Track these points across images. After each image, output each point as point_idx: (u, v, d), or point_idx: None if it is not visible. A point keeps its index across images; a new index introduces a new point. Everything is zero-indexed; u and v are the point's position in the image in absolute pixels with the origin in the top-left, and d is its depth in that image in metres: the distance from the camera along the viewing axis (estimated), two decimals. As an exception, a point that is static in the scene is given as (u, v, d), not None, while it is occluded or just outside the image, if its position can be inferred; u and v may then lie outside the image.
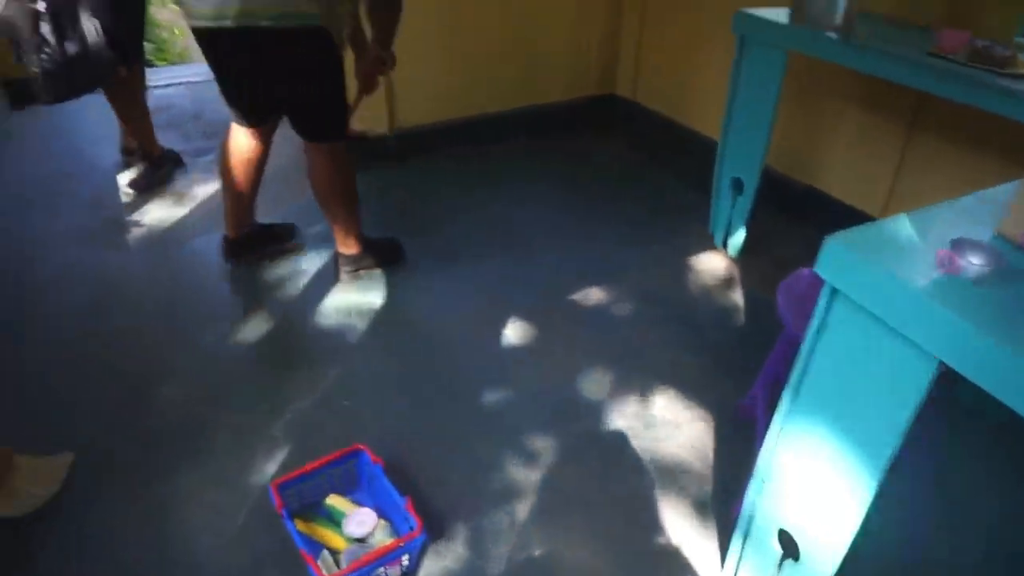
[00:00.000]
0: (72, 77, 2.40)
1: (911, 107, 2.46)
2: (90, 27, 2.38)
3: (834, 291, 0.98)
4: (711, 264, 2.66)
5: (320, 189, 2.29)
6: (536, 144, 3.61)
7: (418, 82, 3.21)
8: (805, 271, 1.66)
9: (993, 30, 2.15)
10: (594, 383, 2.06)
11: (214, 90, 2.20)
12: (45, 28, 2.28)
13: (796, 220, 2.92)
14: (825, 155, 2.84)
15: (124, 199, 2.97)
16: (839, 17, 2.11)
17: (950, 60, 1.89)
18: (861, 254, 0.92)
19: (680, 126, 3.52)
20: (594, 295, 2.45)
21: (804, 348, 1.06)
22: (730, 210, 2.64)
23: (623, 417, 1.95)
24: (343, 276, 2.48)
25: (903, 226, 1.01)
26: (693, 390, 2.04)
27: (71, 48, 2.35)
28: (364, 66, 2.32)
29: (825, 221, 2.94)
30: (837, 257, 0.95)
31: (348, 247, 2.44)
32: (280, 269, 2.54)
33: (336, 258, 2.49)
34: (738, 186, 2.57)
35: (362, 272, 2.51)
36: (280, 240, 2.63)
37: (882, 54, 1.94)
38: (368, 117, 3.10)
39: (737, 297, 2.48)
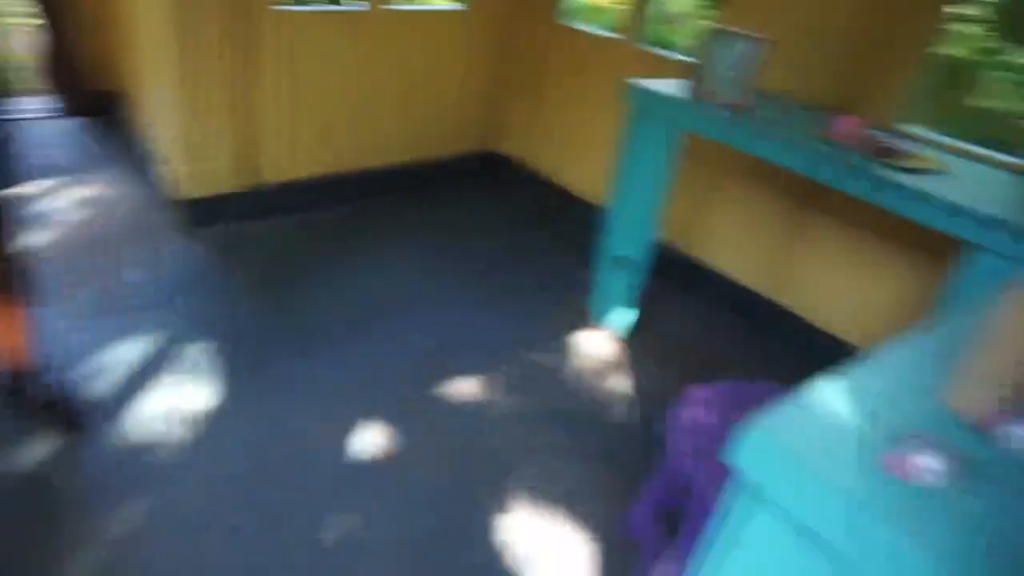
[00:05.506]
0: None
1: (803, 187, 2.38)
2: None
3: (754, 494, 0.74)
4: (596, 346, 2.43)
5: None
6: (413, 203, 3.30)
7: (284, 136, 2.87)
8: (698, 393, 1.44)
9: (879, 111, 2.09)
10: (458, 504, 1.76)
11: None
12: None
13: (687, 295, 2.79)
14: (716, 230, 2.73)
15: None
16: (736, 95, 1.95)
17: (841, 148, 1.76)
18: (789, 452, 0.68)
19: (565, 190, 3.34)
20: (464, 389, 2.15)
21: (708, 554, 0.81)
22: (616, 287, 2.44)
23: (491, 546, 1.65)
24: None
25: (837, 405, 0.78)
26: (570, 504, 1.78)
27: None
28: None
29: (712, 295, 2.87)
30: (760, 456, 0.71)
31: None
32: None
33: None
34: (625, 262, 2.38)
35: None
36: None
37: (774, 140, 1.79)
38: (225, 170, 2.72)
39: (623, 384, 2.26)
